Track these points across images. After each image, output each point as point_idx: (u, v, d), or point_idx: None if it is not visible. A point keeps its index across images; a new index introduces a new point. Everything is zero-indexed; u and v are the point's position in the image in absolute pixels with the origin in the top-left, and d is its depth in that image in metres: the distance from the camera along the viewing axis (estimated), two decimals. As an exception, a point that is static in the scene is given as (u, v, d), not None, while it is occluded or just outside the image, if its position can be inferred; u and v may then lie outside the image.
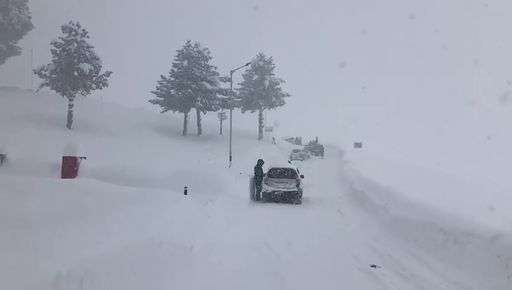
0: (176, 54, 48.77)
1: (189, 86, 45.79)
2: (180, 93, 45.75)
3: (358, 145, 57.75)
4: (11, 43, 46.98)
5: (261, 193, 19.19)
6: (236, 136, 39.43)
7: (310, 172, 30.60)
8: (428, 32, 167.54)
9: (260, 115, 59.97)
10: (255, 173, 19.90)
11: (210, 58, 49.35)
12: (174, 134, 46.33)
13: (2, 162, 15.97)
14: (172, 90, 46.09)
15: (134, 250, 5.34)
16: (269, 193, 18.76)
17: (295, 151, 53.42)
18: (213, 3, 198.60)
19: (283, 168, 19.59)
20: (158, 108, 48.79)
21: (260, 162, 20.10)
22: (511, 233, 7.01)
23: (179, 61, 48.07)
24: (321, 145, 59.82)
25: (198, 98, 46.33)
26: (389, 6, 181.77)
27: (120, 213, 6.52)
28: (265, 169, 19.89)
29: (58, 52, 34.35)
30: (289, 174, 19.12)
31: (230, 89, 36.07)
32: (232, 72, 32.39)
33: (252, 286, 6.90)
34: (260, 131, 60.51)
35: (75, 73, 33.56)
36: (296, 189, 18.69)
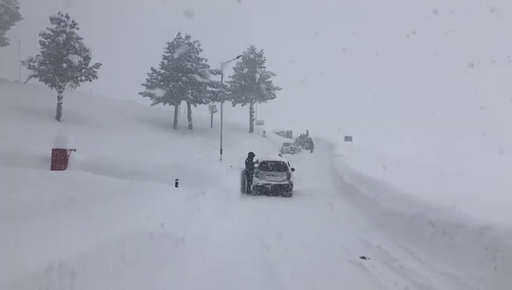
0: (166, 46, 48.47)
1: (179, 79, 45.57)
2: (170, 85, 45.52)
3: (348, 138, 57.90)
4: (-2, 33, 46.39)
5: (252, 185, 19.23)
6: (227, 129, 39.46)
7: (301, 165, 30.74)
8: (426, 17, 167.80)
9: (251, 108, 59.98)
10: (246, 166, 19.94)
11: (201, 50, 49.14)
12: (165, 127, 46.15)
13: (-10, 154, 15.78)
14: (161, 85, 45.86)
15: (126, 241, 5.34)
16: (260, 186, 18.81)
17: (286, 144, 53.56)
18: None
19: (274, 161, 19.65)
20: (148, 100, 48.56)
21: (251, 155, 20.13)
22: (498, 225, 7.11)
23: (169, 54, 47.79)
24: (310, 138, 59.96)
25: (189, 91, 46.15)
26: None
27: (110, 205, 6.50)
28: (256, 162, 19.91)
29: (47, 44, 33.96)
30: (280, 167, 19.18)
31: (221, 82, 36.07)
32: (223, 64, 32.32)
33: (244, 277, 6.93)
34: (251, 124, 60.54)
35: (64, 65, 33.23)
36: (286, 182, 18.76)
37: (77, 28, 34.76)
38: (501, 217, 7.53)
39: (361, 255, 8.66)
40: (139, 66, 54.73)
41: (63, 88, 34.71)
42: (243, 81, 56.40)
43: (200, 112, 54.40)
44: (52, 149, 15.00)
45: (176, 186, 11.75)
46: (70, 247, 4.11)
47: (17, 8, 46.28)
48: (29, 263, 3.45)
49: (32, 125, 27.34)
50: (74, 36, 34.35)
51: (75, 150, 15.51)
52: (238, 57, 40.45)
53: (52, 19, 34.14)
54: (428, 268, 7.62)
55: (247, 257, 8.25)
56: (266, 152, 28.13)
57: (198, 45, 49.07)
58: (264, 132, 62.84)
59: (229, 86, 56.29)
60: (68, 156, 14.97)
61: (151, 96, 47.52)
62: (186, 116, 50.37)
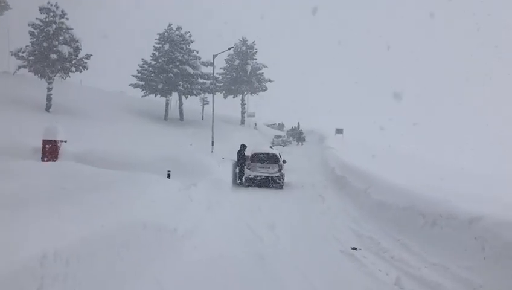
0: (157, 37, 48.08)
1: (170, 70, 45.28)
2: (161, 77, 45.23)
3: (339, 131, 58.17)
4: (-14, 23, 45.63)
5: (243, 177, 19.25)
6: (218, 122, 39.35)
7: (292, 157, 30.83)
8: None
9: (242, 100, 59.84)
10: (237, 158, 19.94)
11: (192, 42, 48.82)
12: (156, 119, 45.90)
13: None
14: (151, 77, 45.53)
15: (119, 232, 5.34)
16: (252, 178, 18.84)
17: (277, 137, 53.64)
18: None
19: (265, 153, 19.67)
20: (139, 92, 48.20)
21: (243, 147, 20.13)
22: (487, 216, 7.21)
23: (160, 45, 47.42)
24: (301, 130, 60.04)
25: (180, 83, 45.88)
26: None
27: (103, 196, 6.48)
28: (247, 154, 19.92)
29: (36, 34, 33.47)
30: (271, 159, 19.21)
31: (213, 74, 35.86)
32: (214, 56, 32.15)
33: (236, 267, 6.97)
34: (242, 116, 60.42)
35: (54, 55, 32.79)
36: (278, 174, 18.81)
37: (67, 19, 34.28)
38: (490, 209, 7.66)
39: (353, 246, 8.76)
40: (130, 58, 54.30)
41: (53, 79, 34.27)
42: (234, 73, 56.22)
43: (191, 104, 54.18)
44: (43, 140, 14.86)
45: (168, 177, 11.74)
46: (64, 236, 4.11)
47: (6, -3, 45.60)
48: (24, 252, 3.44)
49: (21, 116, 27.00)
50: (64, 27, 33.87)
51: (65, 141, 15.39)
52: (229, 49, 40.26)
53: (41, 9, 33.61)
54: (419, 258, 7.72)
55: (239, 247, 8.30)
56: (257, 144, 28.09)
57: (190, 36, 48.74)
58: (256, 124, 62.84)
59: (220, 78, 56.06)
60: (59, 147, 14.86)
61: (142, 87, 47.20)
62: (177, 108, 50.12)
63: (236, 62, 55.80)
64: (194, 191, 10.54)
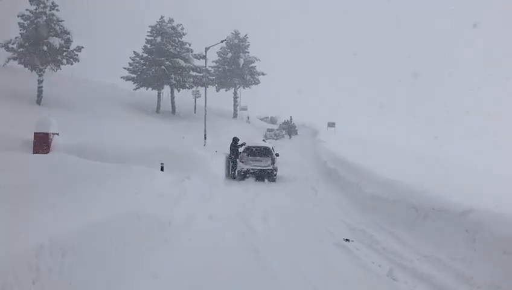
0: (149, 29, 47.73)
1: (162, 63, 45.02)
2: (153, 69, 44.96)
3: (331, 124, 58.38)
4: (-26, 14, 44.94)
5: (236, 170, 19.28)
6: (211, 115, 39.29)
7: (285, 151, 30.90)
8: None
9: (235, 93, 59.75)
10: (230, 151, 19.95)
11: (184, 34, 48.54)
12: (148, 112, 45.69)
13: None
14: (143, 69, 45.25)
15: (113, 224, 5.34)
16: (245, 171, 18.88)
17: (270, 130, 53.65)
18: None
19: (258, 147, 19.71)
20: (131, 85, 47.91)
21: (235, 140, 20.13)
22: (478, 209, 7.31)
23: (152, 37, 47.09)
24: (293, 124, 60.11)
25: (172, 75, 45.65)
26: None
27: (97, 188, 6.47)
28: (240, 147, 19.94)
29: (26, 25, 33.07)
30: (264, 152, 19.25)
31: (205, 66, 35.78)
32: (206, 49, 32.02)
33: (230, 260, 7.01)
34: (235, 110, 60.33)
35: (45, 47, 32.44)
36: (271, 167, 18.86)
37: (57, 10, 33.91)
38: (480, 202, 7.76)
39: (346, 238, 8.83)
40: (122, 50, 53.88)
41: (44, 71, 33.92)
42: (226, 66, 56.05)
43: (184, 97, 53.97)
44: (35, 133, 14.75)
45: (162, 170, 11.73)
46: (59, 228, 4.10)
47: (-6, -12, 44.87)
48: (19, 244, 3.44)
49: (11, 109, 26.73)
50: (54, 18, 33.47)
51: (58, 134, 15.29)
52: (222, 41, 40.11)
53: (31, 0, 33.22)
54: (411, 250, 7.82)
55: (233, 240, 8.34)
56: (250, 138, 28.11)
57: (182, 29, 48.45)
58: (248, 117, 62.80)
59: (212, 70, 55.88)
60: (51, 139, 14.75)
61: (133, 80, 46.91)
62: (169, 101, 49.89)
63: (229, 55, 55.66)
64: (188, 184, 10.54)
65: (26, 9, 33.25)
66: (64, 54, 34.10)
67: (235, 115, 59.74)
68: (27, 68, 33.97)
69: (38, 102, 33.20)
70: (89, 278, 4.37)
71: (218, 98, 58.06)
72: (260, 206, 12.51)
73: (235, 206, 12.22)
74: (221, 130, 38.43)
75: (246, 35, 57.24)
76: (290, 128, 57.57)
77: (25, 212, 4.18)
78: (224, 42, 47.29)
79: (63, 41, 33.60)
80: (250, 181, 18.55)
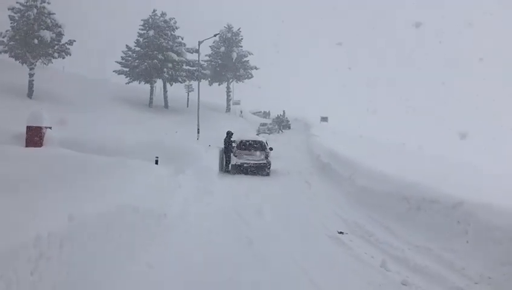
0: (141, 23, 47.42)
1: (155, 57, 44.79)
2: (145, 63, 44.73)
3: (324, 119, 58.56)
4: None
5: (230, 164, 19.30)
6: (204, 109, 39.17)
7: (278, 145, 30.92)
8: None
9: (228, 87, 59.63)
10: (224, 145, 19.94)
11: (177, 28, 48.30)
12: (140, 106, 45.50)
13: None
14: (136, 63, 45.01)
15: (110, 216, 5.36)
16: (238, 165, 18.91)
17: (263, 124, 53.62)
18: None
19: (252, 141, 19.74)
20: (123, 79, 47.64)
21: (229, 134, 20.13)
22: (470, 201, 7.42)
23: (145, 31, 46.80)
24: (286, 119, 60.16)
25: (165, 69, 45.44)
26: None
27: (93, 181, 6.48)
28: (234, 142, 19.95)
29: (17, 18, 32.75)
30: (258, 146, 19.28)
31: (198, 60, 35.60)
32: (200, 42, 31.90)
33: (226, 251, 7.07)
34: (228, 104, 60.24)
35: (36, 41, 32.17)
36: (264, 161, 18.90)
37: (48, 3, 33.62)
38: (472, 193, 7.87)
39: (339, 230, 8.92)
40: (114, 44, 53.53)
41: (35, 65, 33.66)
42: (219, 60, 55.89)
43: (176, 91, 53.75)
44: (27, 126, 14.62)
45: (156, 163, 11.73)
46: (56, 220, 4.12)
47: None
48: (17, 235, 3.46)
49: (2, 102, 26.51)
50: (45, 11, 33.19)
51: (50, 127, 15.18)
52: (215, 36, 39.99)
53: (21, -7, 32.91)
54: (403, 241, 7.93)
55: (228, 232, 8.40)
56: (243, 132, 28.13)
57: (174, 23, 48.20)
58: (241, 112, 62.73)
59: (205, 64, 55.67)
60: (44, 133, 14.65)
61: (126, 74, 46.65)
62: (162, 95, 49.69)
63: (222, 49, 55.49)
64: (183, 177, 10.58)
65: (17, 2, 32.95)
66: (56, 47, 33.85)
67: (228, 110, 59.67)
68: (18, 62, 33.68)
69: (30, 96, 32.97)
70: (86, 268, 4.40)
71: (211, 93, 57.95)
72: (254, 200, 12.56)
73: (229, 200, 12.27)
74: (215, 124, 38.38)
75: (239, 29, 57.09)
76: (280, 123, 57.36)
77: (22, 204, 4.19)
78: (217, 36, 47.14)
79: (54, 35, 33.34)
80: (244, 175, 18.60)
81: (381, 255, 7.16)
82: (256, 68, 57.93)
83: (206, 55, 56.35)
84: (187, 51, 47.87)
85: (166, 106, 48.97)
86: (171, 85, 49.32)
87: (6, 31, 32.53)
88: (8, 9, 32.70)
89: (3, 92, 30.53)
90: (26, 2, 32.89)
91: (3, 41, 32.36)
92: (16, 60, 33.56)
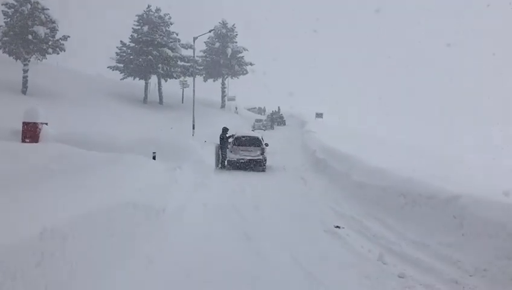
0: (136, 18, 47.21)
1: (149, 53, 44.63)
2: (140, 59, 44.56)
3: (319, 115, 58.66)
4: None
5: (226, 160, 19.35)
6: (199, 105, 39.19)
7: (273, 141, 30.99)
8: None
9: (223, 83, 59.59)
10: (220, 141, 19.99)
11: (171, 24, 48.15)
12: (135, 102, 45.37)
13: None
14: (130, 59, 44.84)
15: (111, 211, 5.39)
16: (234, 161, 18.96)
17: (258, 121, 53.67)
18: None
19: (248, 137, 19.78)
20: (118, 75, 47.46)
21: (225, 130, 20.17)
22: (465, 195, 7.51)
23: (139, 27, 46.60)
24: (281, 115, 60.25)
25: (159, 65, 45.31)
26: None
27: (92, 176, 6.49)
28: (230, 138, 19.99)
29: (10, 14, 32.49)
30: (254, 142, 19.33)
31: (193, 56, 35.60)
32: (194, 38, 31.85)
33: (223, 247, 7.13)
34: (223, 100, 60.20)
35: (30, 36, 31.95)
36: (260, 157, 18.96)
37: (42, -2, 33.40)
38: (467, 188, 7.97)
39: (336, 225, 9.00)
40: (108, 39, 53.25)
41: (29, 61, 33.45)
42: (214, 56, 55.79)
43: (171, 87, 53.65)
44: (23, 122, 14.59)
45: (154, 159, 11.75)
46: (59, 215, 4.16)
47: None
48: (23, 229, 3.50)
49: (-4, 98, 26.40)
50: (39, 6, 32.95)
51: (46, 123, 15.15)
52: (210, 31, 39.94)
53: (15, -12, 32.63)
54: (400, 236, 8.01)
55: (225, 227, 8.45)
56: (238, 128, 28.16)
57: (169, 18, 48.04)
58: (236, 108, 62.73)
59: (200, 60, 55.56)
60: (40, 129, 14.62)
61: (120, 70, 46.48)
62: (157, 91, 49.56)
63: (217, 45, 55.40)
64: (180, 173, 10.59)
65: (10, -3, 32.66)
66: (50, 43, 33.64)
67: (223, 106, 59.65)
68: (12, 57, 33.46)
69: (24, 92, 32.78)
70: (88, 262, 4.44)
71: (206, 89, 57.88)
72: (251, 195, 12.64)
73: (226, 195, 12.33)
74: (210, 120, 38.41)
75: (233, 25, 57.01)
76: (273, 119, 57.27)
77: (24, 199, 4.21)
78: (212, 32, 47.03)
79: (48, 30, 33.13)
80: (240, 171, 18.65)
81: (378, 249, 7.25)
82: (251, 64, 57.91)
83: (200, 51, 56.32)
84: (182, 47, 47.76)
85: (161, 102, 48.87)
86: (166, 81, 49.21)
87: (0, 26, 32.28)
88: (2, 4, 32.41)
89: (-3, 88, 30.35)
90: (20, -3, 32.63)
91: (-4, 37, 32.12)
92: (9, 55, 33.32)
